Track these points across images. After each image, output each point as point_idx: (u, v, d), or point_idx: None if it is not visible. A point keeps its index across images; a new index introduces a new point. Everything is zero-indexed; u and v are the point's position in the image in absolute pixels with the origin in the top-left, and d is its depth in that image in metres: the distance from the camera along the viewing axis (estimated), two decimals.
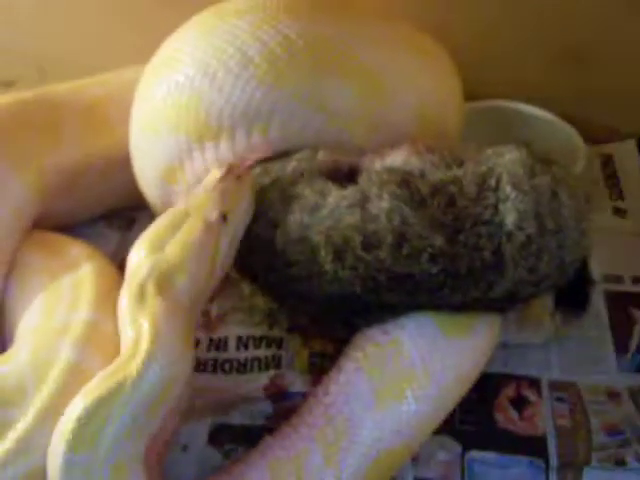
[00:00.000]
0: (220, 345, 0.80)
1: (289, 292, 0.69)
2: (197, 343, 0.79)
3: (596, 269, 0.76)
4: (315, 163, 0.71)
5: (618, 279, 0.86)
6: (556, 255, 0.64)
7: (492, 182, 0.65)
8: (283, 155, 0.72)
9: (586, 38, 0.98)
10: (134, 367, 0.58)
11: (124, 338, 0.62)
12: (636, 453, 0.70)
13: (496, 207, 0.64)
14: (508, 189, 0.64)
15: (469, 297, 0.64)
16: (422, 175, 0.67)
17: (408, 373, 0.65)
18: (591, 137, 0.98)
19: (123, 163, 0.83)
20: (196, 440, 0.72)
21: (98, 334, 0.67)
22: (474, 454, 0.71)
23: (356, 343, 0.68)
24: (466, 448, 0.72)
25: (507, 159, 0.66)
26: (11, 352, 0.68)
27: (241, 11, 0.75)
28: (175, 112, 0.73)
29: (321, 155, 0.71)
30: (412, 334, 0.66)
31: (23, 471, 0.60)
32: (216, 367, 0.79)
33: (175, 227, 0.65)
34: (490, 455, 0.71)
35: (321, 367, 0.76)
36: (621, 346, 0.80)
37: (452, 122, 0.82)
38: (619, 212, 0.96)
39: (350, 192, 0.66)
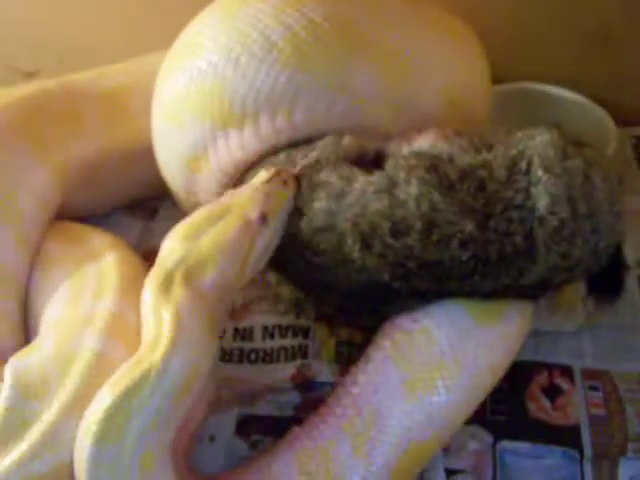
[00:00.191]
0: (246, 335, 0.80)
1: (315, 281, 0.68)
2: (222, 333, 0.79)
3: (630, 254, 0.74)
4: (340, 149, 0.69)
5: None
6: (590, 240, 0.63)
7: (523, 165, 0.63)
8: (308, 141, 0.71)
9: (616, 18, 0.96)
10: (158, 357, 0.58)
11: (146, 326, 0.61)
12: None
13: (527, 191, 0.62)
14: (540, 172, 0.62)
15: (500, 284, 0.63)
16: (451, 159, 0.65)
17: (438, 362, 0.64)
18: (622, 119, 0.96)
19: (145, 152, 0.82)
20: (223, 431, 0.72)
21: (122, 324, 0.67)
22: (505, 444, 0.70)
23: (385, 331, 0.67)
24: (497, 438, 0.71)
25: (538, 141, 0.65)
26: (35, 343, 0.68)
27: None
28: (199, 99, 0.72)
29: (346, 140, 0.70)
30: (442, 322, 0.65)
31: (50, 465, 0.59)
32: (242, 357, 0.78)
33: (214, 220, 0.64)
34: (522, 445, 0.70)
35: (348, 356, 0.76)
36: None
37: (480, 105, 0.81)
38: None
39: (377, 178, 0.65)
